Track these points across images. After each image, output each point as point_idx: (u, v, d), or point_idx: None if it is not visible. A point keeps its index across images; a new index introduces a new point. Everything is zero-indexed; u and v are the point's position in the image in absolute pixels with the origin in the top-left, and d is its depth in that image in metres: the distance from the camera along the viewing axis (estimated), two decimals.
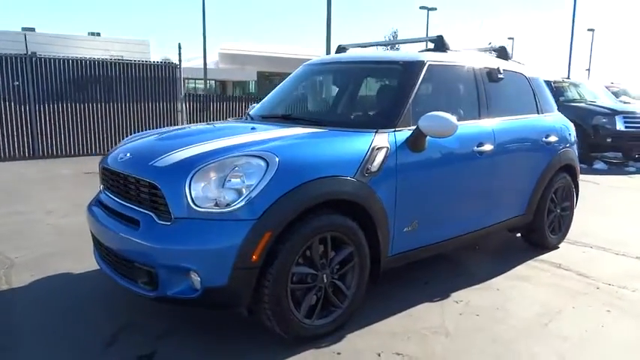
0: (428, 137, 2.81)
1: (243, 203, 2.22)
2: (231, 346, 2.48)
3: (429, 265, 3.50)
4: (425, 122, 2.74)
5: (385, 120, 2.83)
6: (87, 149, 9.30)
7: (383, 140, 2.70)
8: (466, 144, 3.14)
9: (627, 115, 9.47)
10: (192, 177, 2.28)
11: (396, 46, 10.50)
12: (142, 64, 9.63)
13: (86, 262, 3.57)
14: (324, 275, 2.47)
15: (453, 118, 2.76)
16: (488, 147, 3.29)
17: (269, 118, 3.28)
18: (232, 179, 2.26)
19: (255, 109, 3.68)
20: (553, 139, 3.95)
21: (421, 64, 3.10)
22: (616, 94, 11.25)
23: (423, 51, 3.39)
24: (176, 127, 3.32)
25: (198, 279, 2.23)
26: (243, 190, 2.24)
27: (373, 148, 2.63)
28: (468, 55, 3.58)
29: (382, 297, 3.02)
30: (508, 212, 3.67)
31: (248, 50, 34.75)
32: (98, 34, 35.36)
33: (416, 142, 2.80)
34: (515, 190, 3.68)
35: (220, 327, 2.66)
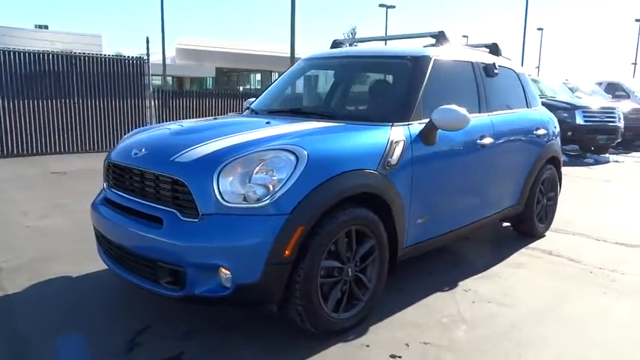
0: (438, 130, 2.87)
1: (274, 198, 2.19)
2: (259, 343, 2.45)
3: (428, 256, 3.57)
4: (438, 115, 2.79)
5: (399, 114, 2.86)
6: (49, 148, 8.90)
7: (399, 134, 2.73)
8: (470, 137, 3.22)
9: (585, 110, 9.94)
10: (220, 172, 2.24)
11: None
12: (108, 59, 9.29)
13: (83, 264, 3.44)
14: (349, 269, 2.49)
15: (465, 112, 2.82)
16: (488, 140, 3.38)
17: (278, 113, 3.25)
18: (262, 173, 2.23)
19: (257, 103, 3.64)
20: (542, 132, 4.11)
21: (428, 58, 3.15)
22: (571, 90, 11.77)
23: (427, 46, 3.44)
24: (181, 121, 3.24)
25: (230, 276, 2.20)
26: (274, 184, 2.21)
27: (392, 142, 2.66)
28: (466, 50, 3.67)
29: (392, 289, 3.05)
30: (504, 203, 3.79)
31: (206, 46, 34.10)
32: (46, 27, 33.75)
33: (429, 135, 2.85)
34: (510, 181, 3.80)
35: (244, 323, 2.62)
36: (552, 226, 4.55)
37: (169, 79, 33.02)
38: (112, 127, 9.44)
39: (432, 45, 3.48)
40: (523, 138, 3.87)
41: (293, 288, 2.27)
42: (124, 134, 9.41)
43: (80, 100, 9.05)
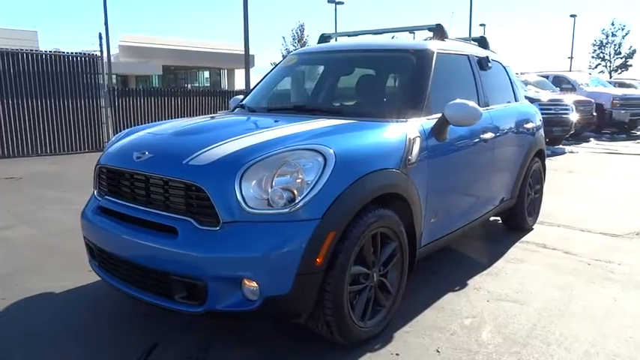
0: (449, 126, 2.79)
1: (304, 202, 2.02)
2: (279, 356, 2.28)
3: (428, 256, 3.50)
4: (451, 111, 2.70)
5: (411, 109, 2.76)
6: None
7: (414, 130, 2.63)
8: (474, 132, 3.16)
9: (540, 103, 10.26)
10: (242, 175, 2.04)
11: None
12: (57, 56, 8.69)
13: (63, 278, 3.15)
14: (374, 274, 2.36)
15: (478, 107, 2.75)
16: (489, 134, 3.35)
17: (279, 110, 3.06)
18: (288, 175, 2.06)
19: (250, 100, 3.43)
20: (530, 125, 4.13)
21: (431, 52, 3.07)
22: (525, 84, 12.15)
23: (428, 39, 3.36)
24: (175, 121, 2.99)
25: (257, 288, 2.01)
26: (302, 187, 2.04)
27: (409, 139, 2.54)
28: (461, 43, 3.62)
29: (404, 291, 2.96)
30: (500, 198, 3.78)
31: (152, 43, 32.93)
32: None
33: (441, 130, 2.76)
34: (506, 175, 3.79)
35: (258, 337, 2.44)
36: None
37: (113, 77, 31.64)
38: (65, 128, 8.87)
39: (430, 38, 3.40)
40: (516, 132, 3.87)
41: (323, 298, 2.12)
42: (79, 136, 9.08)
43: (28, 100, 8.42)
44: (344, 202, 2.10)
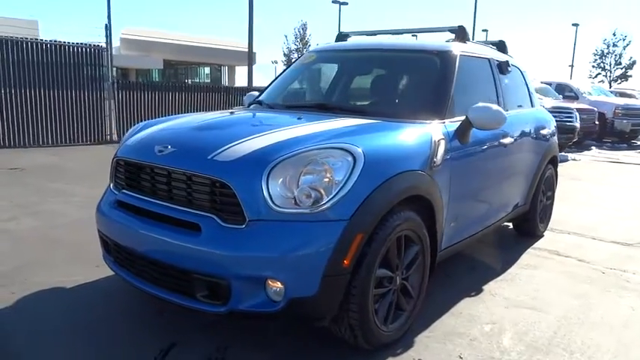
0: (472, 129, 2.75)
1: (333, 202, 1.98)
2: (299, 359, 2.23)
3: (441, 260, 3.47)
4: (475, 114, 2.67)
5: (435, 111, 2.72)
6: None
7: (439, 132, 2.58)
8: (495, 136, 3.13)
9: (549, 110, 10.26)
10: (269, 172, 1.99)
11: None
12: (61, 46, 8.59)
13: (72, 272, 3.08)
14: (397, 277, 2.31)
15: (502, 110, 2.72)
16: (509, 139, 3.31)
17: (299, 107, 3.01)
18: (316, 174, 2.01)
19: (267, 96, 3.37)
20: (546, 131, 4.10)
21: (455, 54, 3.03)
22: None
23: (449, 41, 3.31)
24: (193, 115, 2.94)
25: (282, 289, 1.96)
26: (331, 186, 2.00)
27: (434, 141, 2.50)
28: (481, 47, 3.58)
29: None
30: (515, 203, 3.74)
31: (154, 37, 32.77)
32: None
33: (464, 133, 2.72)
34: (522, 180, 3.76)
35: (279, 338, 2.39)
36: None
37: (114, 70, 31.45)
38: (67, 119, 8.78)
39: (452, 40, 3.36)
40: (533, 137, 3.84)
41: (348, 301, 2.07)
42: (81, 128, 8.97)
43: (30, 90, 8.33)
44: (372, 203, 2.06)
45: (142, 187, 2.36)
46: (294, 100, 3.28)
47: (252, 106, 3.36)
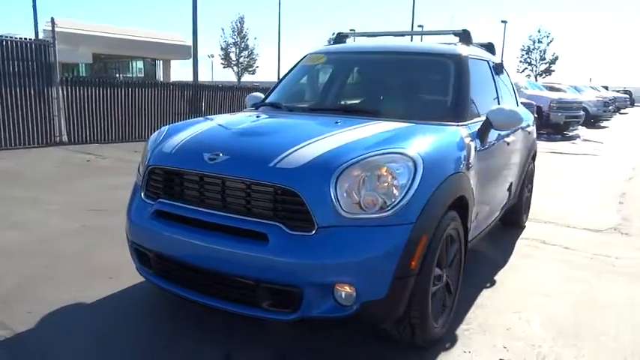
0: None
1: (399, 206, 2.02)
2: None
3: None
4: (496, 115, 2.81)
5: (459, 113, 2.83)
6: None
7: (466, 133, 2.70)
8: (502, 135, 3.30)
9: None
10: (337, 178, 2.01)
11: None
12: (4, 41, 7.96)
13: (87, 287, 2.94)
14: (444, 274, 2.40)
15: (519, 112, 2.88)
16: (512, 137, 3.50)
17: (323, 110, 3.01)
18: (382, 179, 2.05)
19: (279, 98, 3.36)
20: (530, 128, 4.36)
21: (466, 57, 3.16)
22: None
23: (450, 44, 3.44)
24: (219, 118, 2.86)
25: (354, 294, 1.99)
26: (396, 191, 2.04)
27: (467, 142, 2.61)
28: (480, 49, 3.74)
29: None
30: (509, 197, 3.96)
31: (82, 29, 30.97)
32: None
33: (485, 134, 2.86)
34: (515, 176, 3.98)
35: (336, 343, 2.41)
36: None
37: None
38: (12, 120, 8.15)
39: (454, 43, 3.49)
40: (524, 134, 4.07)
41: (412, 301, 2.14)
42: (28, 129, 8.35)
43: None
44: (433, 205, 2.13)
45: (187, 196, 2.29)
46: (315, 103, 3.28)
47: (261, 109, 3.31)
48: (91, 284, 2.97)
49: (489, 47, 4.14)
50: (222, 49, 42.17)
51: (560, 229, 4.66)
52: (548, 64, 41.66)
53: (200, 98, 11.46)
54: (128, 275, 3.00)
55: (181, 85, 11.37)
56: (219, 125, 2.68)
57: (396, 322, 2.21)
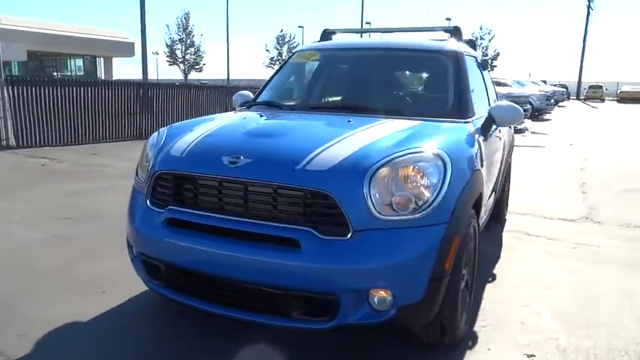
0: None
1: (433, 206, 1.98)
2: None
3: None
4: (497, 112, 2.83)
5: (464, 110, 2.82)
6: None
7: (474, 130, 2.70)
8: (496, 131, 3.33)
9: None
10: (370, 179, 1.94)
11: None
12: None
13: (79, 303, 2.72)
14: (466, 273, 2.39)
15: (520, 108, 2.91)
16: (503, 133, 3.55)
17: (323, 109, 2.91)
18: (413, 180, 2.00)
19: (278, 97, 3.24)
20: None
21: (462, 54, 3.17)
22: None
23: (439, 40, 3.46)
24: (218, 118, 2.71)
25: (391, 298, 1.93)
26: (428, 191, 2.00)
27: (477, 139, 2.61)
28: (466, 45, 3.77)
29: None
30: (496, 192, 4.02)
31: (15, 25, 29.12)
32: None
33: (488, 130, 2.87)
34: (500, 170, 4.05)
35: (357, 346, 2.34)
36: None
37: None
38: None
39: (444, 40, 3.51)
40: (506, 129, 4.14)
41: (444, 301, 2.10)
42: None
43: None
44: (462, 204, 2.10)
45: (203, 202, 2.15)
46: (317, 102, 3.17)
47: (254, 108, 3.17)
48: (81, 300, 2.75)
49: (472, 43, 4.17)
50: (167, 46, 41.06)
51: (538, 220, 4.79)
52: (490, 60, 43.35)
53: (152, 97, 10.99)
54: (121, 288, 2.82)
55: (137, 84, 10.89)
56: (227, 126, 2.54)
57: (427, 324, 2.17)
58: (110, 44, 32.35)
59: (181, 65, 41.42)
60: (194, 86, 13.43)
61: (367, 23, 38.39)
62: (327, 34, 3.80)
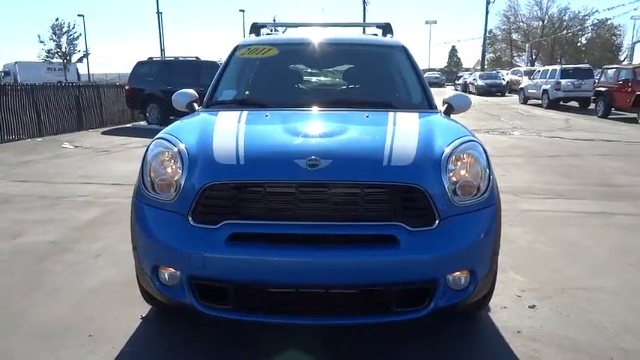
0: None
1: (488, 188, 2.14)
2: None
3: None
4: (454, 101, 2.94)
5: (431, 101, 2.98)
6: None
7: (450, 119, 2.83)
8: None
9: None
10: (446, 168, 2.06)
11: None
12: None
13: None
14: None
15: (470, 97, 3.11)
16: None
17: (305, 105, 2.80)
18: (471, 166, 2.13)
19: (243, 95, 3.22)
20: None
21: (407, 47, 3.35)
22: None
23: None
24: (217, 117, 2.71)
25: (470, 276, 2.07)
26: (483, 174, 2.14)
27: None
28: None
29: None
30: None
31: None
32: None
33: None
34: None
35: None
36: None
37: None
38: None
39: (375, 35, 3.81)
40: None
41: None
42: None
43: None
44: (495, 184, 2.24)
45: (272, 211, 1.98)
46: (291, 99, 3.03)
47: (211, 107, 2.93)
48: (65, 352, 2.24)
49: (387, 29, 3.91)
50: (48, 53, 39.58)
51: (525, 199, 4.97)
52: None
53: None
54: (110, 330, 2.42)
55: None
56: (259, 127, 2.50)
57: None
58: None
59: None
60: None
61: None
62: (256, 28, 3.66)
